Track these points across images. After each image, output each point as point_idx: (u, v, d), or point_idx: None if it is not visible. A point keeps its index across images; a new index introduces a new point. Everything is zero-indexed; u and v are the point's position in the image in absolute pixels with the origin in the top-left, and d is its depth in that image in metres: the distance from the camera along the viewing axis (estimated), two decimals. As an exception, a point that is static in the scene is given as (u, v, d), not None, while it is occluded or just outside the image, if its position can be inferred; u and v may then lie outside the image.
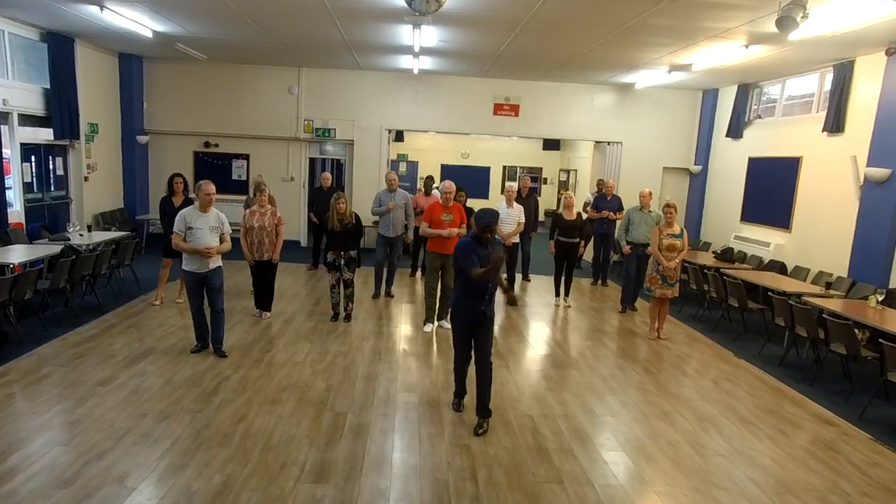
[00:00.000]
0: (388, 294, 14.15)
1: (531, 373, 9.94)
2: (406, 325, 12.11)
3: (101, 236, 13.99)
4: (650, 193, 13.65)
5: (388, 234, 13.62)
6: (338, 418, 7.75)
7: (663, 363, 10.72)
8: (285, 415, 7.77)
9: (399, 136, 26.57)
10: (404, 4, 10.29)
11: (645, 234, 13.13)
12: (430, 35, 13.31)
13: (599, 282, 16.91)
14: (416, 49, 14.82)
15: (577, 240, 13.98)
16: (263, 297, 12.11)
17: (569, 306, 14.14)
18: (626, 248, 13.57)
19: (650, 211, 13.45)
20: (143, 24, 13.54)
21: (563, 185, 27.77)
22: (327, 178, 16.15)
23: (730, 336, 12.48)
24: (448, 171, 27.50)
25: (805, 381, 10.06)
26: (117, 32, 14.34)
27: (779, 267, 14.67)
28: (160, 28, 13.98)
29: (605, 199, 16.52)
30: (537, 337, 12.00)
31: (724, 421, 8.37)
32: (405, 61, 16.98)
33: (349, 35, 13.96)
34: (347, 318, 12.09)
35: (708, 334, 12.59)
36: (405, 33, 13.38)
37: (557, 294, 14.34)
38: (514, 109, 19.67)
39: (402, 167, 28.71)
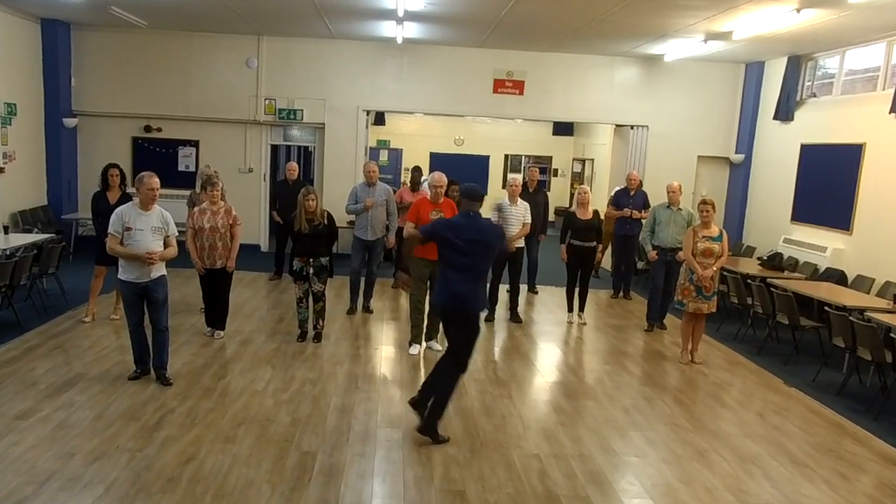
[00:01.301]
0: (367, 309, 14.13)
1: (539, 404, 9.98)
2: (388, 347, 12.13)
3: (20, 239, 13.97)
4: (680, 188, 13.60)
5: (365, 236, 13.61)
6: (305, 458, 7.73)
7: (698, 392, 10.74)
8: (242, 454, 7.75)
9: (380, 119, 26.57)
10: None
11: (674, 236, 13.11)
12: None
13: (621, 294, 16.84)
14: (400, 13, 14.78)
15: (594, 243, 13.87)
16: (216, 312, 12.07)
17: (584, 323, 14.09)
18: (653, 254, 13.54)
19: (680, 209, 13.40)
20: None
21: (578, 178, 27.83)
22: (293, 169, 16.10)
23: (778, 360, 12.50)
24: (439, 161, 27.49)
25: (869, 414, 10.06)
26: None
27: (837, 276, 14.71)
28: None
29: (627, 195, 16.30)
30: (546, 360, 12.03)
31: (772, 462, 8.37)
32: (387, 28, 17.01)
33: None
34: (317, 337, 12.07)
35: (752, 357, 12.61)
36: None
37: (570, 309, 14.25)
38: (518, 87, 19.69)
39: (384, 156, 28.76)
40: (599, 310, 15.51)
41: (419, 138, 29.00)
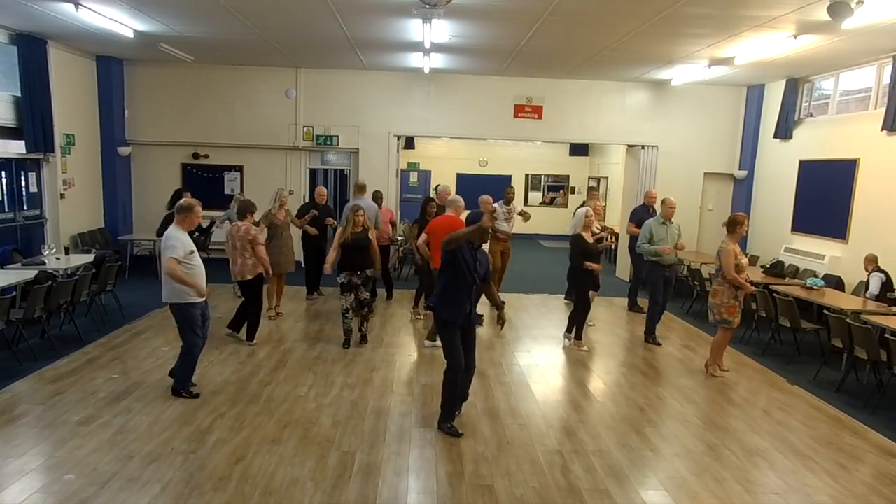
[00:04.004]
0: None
1: (560, 405, 9.96)
2: (418, 354, 12.16)
3: (79, 259, 14.08)
4: (675, 203, 13.23)
5: None
6: (346, 458, 7.77)
7: (707, 391, 10.70)
8: (287, 455, 7.79)
9: (409, 143, 26.56)
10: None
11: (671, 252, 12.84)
12: (441, 30, 13.35)
13: (633, 307, 16.24)
14: (427, 46, 14.75)
15: (598, 266, 12.61)
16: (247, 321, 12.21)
17: (592, 325, 13.69)
18: (667, 248, 12.81)
19: (672, 222, 13.04)
20: (122, 23, 13.61)
21: (595, 192, 27.62)
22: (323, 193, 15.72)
23: (781, 360, 12.45)
24: (464, 181, 27.63)
25: (866, 409, 10.05)
26: (95, 33, 14.45)
27: (835, 282, 14.64)
28: (142, 27, 14.08)
29: (647, 211, 15.78)
30: (565, 365, 12.02)
31: (777, 455, 8.36)
32: (415, 60, 17.04)
33: (352, 31, 14.05)
34: (363, 339, 12.28)
35: (756, 358, 12.56)
36: (414, 28, 13.42)
37: (579, 337, 12.93)
38: (537, 111, 19.70)
39: (414, 177, 28.79)
40: (617, 318, 15.45)
41: (446, 160, 28.99)
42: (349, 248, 11.61)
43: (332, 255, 11.96)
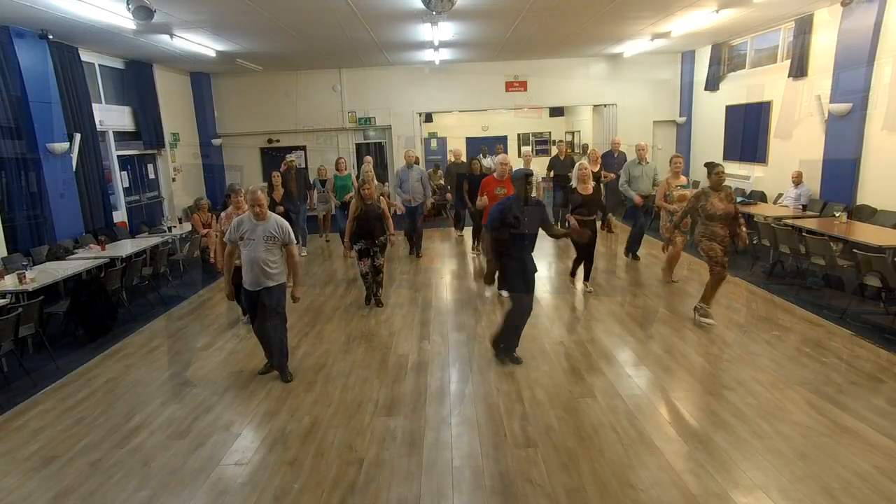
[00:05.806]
0: (418, 255, 13.77)
1: (559, 307, 9.88)
2: (448, 285, 12.00)
3: (187, 228, 13.94)
4: (646, 146, 12.73)
5: (409, 204, 13.43)
6: (401, 360, 7.74)
7: (674, 292, 10.54)
8: (357, 360, 7.76)
9: (428, 118, 26.50)
10: (422, 6, 10.34)
11: (643, 187, 12.22)
12: (445, 30, 13.25)
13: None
14: (436, 43, 14.77)
15: (594, 217, 10.36)
16: None
17: (590, 291, 10.83)
18: (639, 199, 11.96)
19: (648, 162, 12.52)
20: (207, 46, 13.54)
21: (570, 145, 27.23)
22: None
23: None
24: (472, 143, 27.54)
25: (791, 293, 9.88)
26: (186, 56, 14.49)
27: (759, 196, 14.44)
28: (222, 48, 13.97)
29: (612, 157, 14.91)
30: (562, 284, 11.86)
31: (727, 332, 8.25)
32: (427, 54, 16.91)
33: (378, 36, 13.82)
34: (378, 303, 10.28)
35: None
36: (424, 30, 13.30)
37: (573, 274, 11.19)
38: (523, 85, 19.59)
39: (434, 143, 28.71)
40: (613, 265, 15.21)
41: (457, 128, 28.95)
42: (362, 219, 9.92)
43: (348, 228, 10.09)
